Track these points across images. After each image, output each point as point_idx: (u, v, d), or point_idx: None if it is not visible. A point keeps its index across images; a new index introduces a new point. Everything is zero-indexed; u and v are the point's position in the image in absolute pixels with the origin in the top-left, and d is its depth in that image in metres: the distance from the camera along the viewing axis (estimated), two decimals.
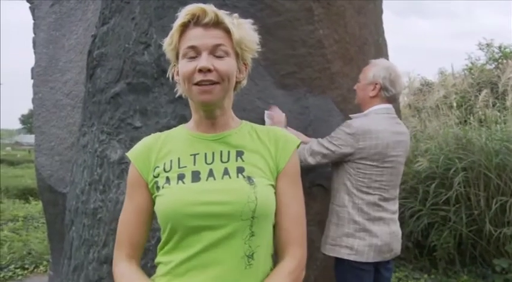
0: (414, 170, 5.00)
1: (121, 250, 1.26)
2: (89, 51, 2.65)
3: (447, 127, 5.42)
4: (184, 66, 1.15)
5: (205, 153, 1.21)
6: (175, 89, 1.31)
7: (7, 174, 13.34)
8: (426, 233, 4.83)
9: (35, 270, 5.02)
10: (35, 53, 4.09)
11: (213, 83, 1.14)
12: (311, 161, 2.26)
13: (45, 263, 5.09)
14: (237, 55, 1.21)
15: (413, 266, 5.01)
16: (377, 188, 2.23)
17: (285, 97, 2.47)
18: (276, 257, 1.26)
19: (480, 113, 5.63)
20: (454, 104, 5.74)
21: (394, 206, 2.35)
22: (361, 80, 2.41)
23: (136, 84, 2.29)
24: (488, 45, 13.08)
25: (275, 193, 1.23)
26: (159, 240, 1.24)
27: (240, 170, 1.19)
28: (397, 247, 2.33)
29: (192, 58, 1.15)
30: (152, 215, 1.27)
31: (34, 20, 4.16)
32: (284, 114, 2.36)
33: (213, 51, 1.15)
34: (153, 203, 1.24)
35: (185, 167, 1.19)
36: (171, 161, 1.21)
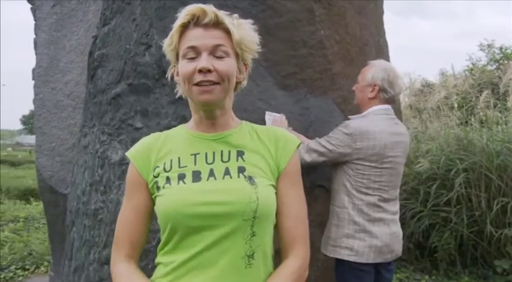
0: (415, 171, 4.99)
1: (119, 250, 1.25)
2: (89, 52, 2.65)
3: (448, 128, 5.42)
4: (184, 67, 1.15)
5: (206, 153, 1.21)
6: (175, 90, 1.31)
7: (8, 174, 13.34)
8: (427, 234, 4.82)
9: (36, 271, 5.02)
10: (36, 53, 4.09)
11: (213, 83, 1.13)
12: (306, 158, 2.26)
13: (46, 263, 5.09)
14: (237, 55, 1.21)
15: (414, 267, 5.01)
16: (376, 188, 2.23)
17: (285, 98, 2.47)
18: (277, 258, 1.26)
19: (481, 114, 5.63)
20: (455, 105, 5.74)
21: (395, 206, 2.35)
22: (360, 81, 2.41)
23: (137, 85, 2.29)
24: (489, 46, 13.09)
25: (276, 193, 1.22)
26: (159, 241, 1.23)
27: (241, 170, 1.19)
28: (398, 248, 2.32)
29: (192, 58, 1.15)
30: (151, 215, 1.27)
31: (35, 20, 4.17)
32: (284, 116, 2.37)
33: (213, 51, 1.14)
34: (152, 203, 1.24)
35: (185, 166, 1.19)
36: (171, 160, 1.21)
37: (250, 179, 1.17)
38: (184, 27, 1.17)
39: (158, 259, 1.23)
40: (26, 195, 9.99)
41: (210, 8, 1.15)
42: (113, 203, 2.29)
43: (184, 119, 2.04)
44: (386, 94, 2.32)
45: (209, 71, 1.12)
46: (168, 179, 1.18)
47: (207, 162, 1.20)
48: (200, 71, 1.12)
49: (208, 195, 1.13)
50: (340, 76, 2.65)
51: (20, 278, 4.81)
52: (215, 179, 1.17)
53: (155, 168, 1.22)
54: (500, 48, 13.02)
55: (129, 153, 1.27)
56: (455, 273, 4.72)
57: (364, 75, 2.38)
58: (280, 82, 2.45)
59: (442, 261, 4.76)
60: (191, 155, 1.21)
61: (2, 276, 4.76)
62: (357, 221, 2.22)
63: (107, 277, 2.27)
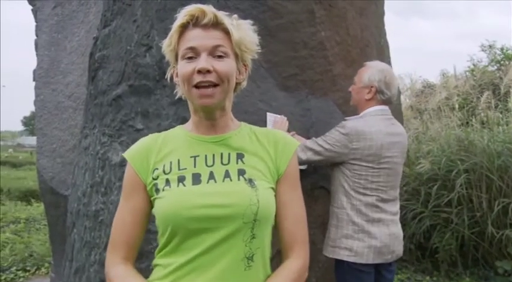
0: (416, 171, 4.99)
1: (115, 252, 1.23)
2: (90, 53, 2.66)
3: (449, 129, 5.42)
4: (183, 67, 1.15)
5: (206, 155, 1.21)
6: (175, 91, 1.30)
7: (9, 176, 13.36)
8: (428, 235, 4.82)
9: (37, 272, 5.02)
10: (37, 55, 4.10)
11: (213, 85, 1.13)
12: (302, 156, 2.27)
13: (46, 265, 5.09)
14: (236, 56, 1.20)
15: (415, 268, 5.00)
16: (374, 189, 2.24)
17: (286, 99, 2.47)
18: (278, 259, 1.26)
19: (482, 114, 5.63)
20: (456, 106, 5.73)
21: (394, 207, 2.34)
22: (356, 82, 2.42)
23: (138, 86, 2.29)
24: (490, 46, 13.09)
25: (275, 195, 1.22)
26: None
27: (241, 173, 1.18)
28: (398, 249, 2.32)
29: (191, 59, 1.14)
30: (149, 217, 1.26)
31: (36, 22, 4.17)
32: (286, 118, 2.37)
33: (212, 52, 1.14)
34: (150, 205, 1.23)
35: (185, 169, 1.18)
36: (170, 162, 1.20)
37: (250, 181, 1.17)
38: (184, 27, 1.16)
39: (156, 261, 1.22)
40: (26, 197, 9.99)
41: (209, 9, 1.15)
42: (114, 205, 2.29)
43: (185, 120, 2.02)
44: (383, 95, 2.33)
45: (208, 71, 1.12)
46: (167, 181, 1.17)
47: (206, 165, 1.19)
48: (199, 71, 1.11)
49: (208, 198, 1.13)
50: (341, 77, 2.66)
51: (21, 280, 4.81)
52: (215, 181, 1.16)
53: (154, 170, 1.21)
54: (502, 49, 13.03)
55: (127, 154, 1.26)
56: (457, 274, 4.71)
57: (361, 76, 2.39)
58: (281, 83, 2.45)
59: (443, 262, 4.75)
60: (191, 157, 1.20)
61: (2, 277, 4.76)
62: (356, 221, 2.22)
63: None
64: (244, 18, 1.23)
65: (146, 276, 1.23)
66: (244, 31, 1.20)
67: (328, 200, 2.40)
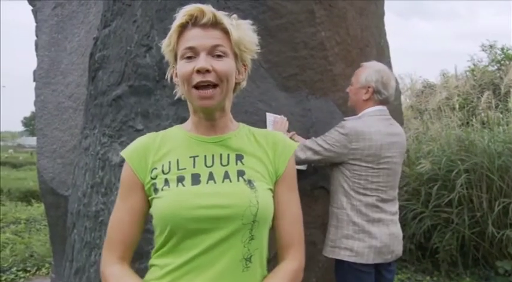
0: (416, 172, 4.99)
1: (112, 251, 1.21)
2: (90, 53, 2.66)
3: (449, 129, 5.41)
4: (183, 67, 1.14)
5: (205, 156, 1.20)
6: (175, 91, 1.30)
7: (9, 176, 13.36)
8: (428, 235, 4.82)
9: (37, 272, 5.02)
10: (37, 55, 4.10)
11: (213, 85, 1.13)
12: (301, 155, 2.28)
13: (47, 265, 5.09)
14: (235, 56, 1.20)
15: (415, 268, 5.00)
16: (374, 189, 2.24)
17: (286, 99, 2.47)
18: (274, 263, 1.26)
19: (482, 114, 5.62)
20: (457, 106, 5.72)
21: (394, 207, 2.35)
22: (354, 83, 2.42)
23: (138, 86, 2.29)
24: (491, 46, 13.09)
25: (273, 197, 1.22)
26: None
27: (241, 174, 1.18)
28: (398, 249, 2.32)
29: (191, 59, 1.14)
30: (146, 217, 1.25)
31: (36, 22, 4.17)
32: (286, 118, 2.37)
33: (212, 51, 1.13)
34: (148, 204, 1.22)
35: (184, 169, 1.18)
36: (169, 162, 1.19)
37: (249, 182, 1.17)
38: (183, 27, 1.16)
39: (152, 261, 1.21)
40: (27, 197, 9.99)
41: (208, 8, 1.14)
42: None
43: (185, 121, 2.03)
44: (381, 95, 2.33)
45: (207, 71, 1.11)
46: (166, 181, 1.16)
47: (206, 165, 1.19)
48: (198, 71, 1.11)
49: (208, 199, 1.12)
50: (341, 77, 2.66)
51: (21, 280, 4.80)
52: (215, 182, 1.16)
53: (152, 170, 1.20)
54: (502, 49, 13.03)
55: (125, 153, 1.25)
56: (457, 274, 4.71)
57: (358, 77, 2.39)
58: (281, 83, 2.45)
59: (443, 262, 4.75)
60: (190, 157, 1.20)
61: (3, 278, 4.76)
62: (356, 221, 2.22)
63: None
64: (244, 18, 1.23)
65: (141, 277, 1.22)
66: (244, 31, 1.19)
67: (328, 200, 2.40)
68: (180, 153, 1.21)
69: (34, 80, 4.10)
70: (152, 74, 2.24)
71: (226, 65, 1.15)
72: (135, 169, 1.22)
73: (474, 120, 5.47)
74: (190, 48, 1.13)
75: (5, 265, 5.06)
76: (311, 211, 2.50)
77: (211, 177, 1.17)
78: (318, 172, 2.51)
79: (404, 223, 4.83)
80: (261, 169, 1.22)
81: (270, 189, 1.22)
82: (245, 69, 1.26)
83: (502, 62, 12.17)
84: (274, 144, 1.27)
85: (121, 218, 1.23)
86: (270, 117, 2.35)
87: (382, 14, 3.24)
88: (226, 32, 1.16)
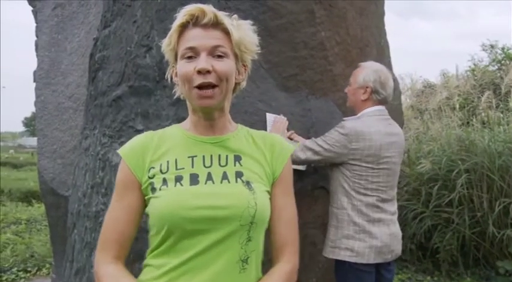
0: (417, 171, 4.99)
1: (107, 251, 1.20)
2: (90, 54, 2.66)
3: (450, 129, 5.41)
4: (183, 67, 1.14)
5: (204, 156, 1.20)
6: (174, 90, 1.30)
7: (10, 176, 13.37)
8: (429, 235, 4.82)
9: (38, 273, 5.02)
10: (37, 56, 4.10)
11: (213, 86, 1.12)
12: (301, 155, 2.28)
13: (47, 265, 5.09)
14: (236, 56, 1.19)
15: (416, 268, 5.00)
16: (374, 189, 2.24)
17: (286, 99, 2.47)
18: (269, 263, 1.26)
19: (483, 114, 5.62)
20: (457, 106, 5.73)
21: (393, 207, 2.35)
22: (352, 83, 2.42)
23: (138, 87, 2.29)
24: (492, 46, 13.09)
25: (269, 199, 1.22)
26: None
27: (239, 175, 1.18)
28: (397, 248, 2.33)
29: (191, 59, 1.13)
30: (141, 216, 1.24)
31: (36, 23, 4.17)
32: (285, 118, 2.37)
33: (212, 52, 1.13)
34: (144, 203, 1.21)
35: (183, 169, 1.17)
36: (167, 162, 1.19)
37: (248, 184, 1.17)
38: (183, 27, 1.15)
39: (147, 261, 1.21)
40: (28, 197, 9.99)
41: (209, 8, 1.14)
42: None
43: None
44: (379, 95, 2.33)
45: (208, 72, 1.11)
46: (164, 180, 1.16)
47: (204, 166, 1.18)
48: (199, 72, 1.11)
49: (206, 199, 1.12)
50: (341, 77, 2.66)
51: (22, 280, 4.81)
52: (213, 182, 1.16)
53: (150, 169, 1.19)
54: (503, 49, 13.03)
55: (122, 151, 1.24)
56: (457, 274, 4.71)
57: (356, 77, 2.39)
58: (281, 83, 2.45)
59: (444, 262, 4.75)
60: (188, 157, 1.19)
61: (4, 278, 4.77)
62: (357, 221, 2.22)
63: None
64: (245, 18, 1.23)
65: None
66: (244, 31, 1.19)
67: (329, 201, 2.40)
68: (178, 153, 1.20)
69: (34, 81, 4.10)
70: (152, 74, 2.24)
71: (226, 65, 1.14)
72: (132, 168, 1.21)
73: (474, 120, 5.48)
74: (191, 49, 1.13)
75: (6, 265, 5.06)
76: (311, 211, 2.51)
77: (209, 177, 1.16)
78: (318, 172, 2.51)
79: (404, 223, 4.83)
80: (259, 170, 1.22)
81: (267, 191, 1.22)
82: (245, 69, 1.26)
83: (503, 61, 12.16)
84: (271, 146, 1.27)
85: (117, 217, 1.21)
86: (270, 117, 2.35)
87: (382, 14, 3.24)
88: (227, 32, 1.15)
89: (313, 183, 2.51)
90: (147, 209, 1.19)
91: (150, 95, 2.25)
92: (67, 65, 3.77)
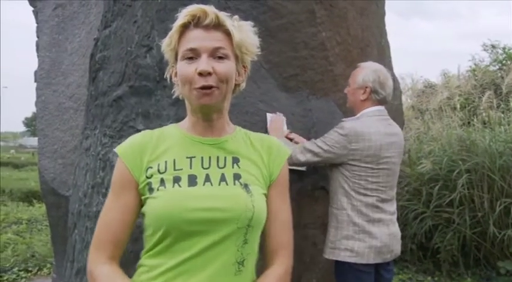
0: (418, 172, 4.99)
1: (101, 251, 1.18)
2: (91, 54, 2.66)
3: (450, 129, 5.41)
4: (184, 68, 1.13)
5: (202, 157, 1.19)
6: (173, 90, 1.29)
7: (11, 176, 13.40)
8: (430, 235, 4.82)
9: (39, 272, 5.02)
10: (38, 56, 4.10)
11: (213, 86, 1.12)
12: (301, 157, 2.27)
13: (48, 265, 5.09)
14: (236, 58, 1.19)
15: (416, 268, 5.00)
16: (374, 189, 2.24)
17: (287, 100, 2.47)
18: (264, 264, 1.26)
19: (484, 114, 5.62)
20: (458, 106, 5.73)
21: (392, 207, 2.35)
22: (351, 84, 2.42)
23: (138, 87, 2.29)
24: (493, 46, 13.08)
25: (266, 201, 1.22)
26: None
27: (237, 177, 1.18)
28: (397, 248, 2.33)
29: (191, 60, 1.13)
30: (137, 216, 1.22)
31: (37, 23, 4.17)
32: (283, 116, 2.37)
33: (213, 53, 1.13)
34: (140, 203, 1.20)
35: (181, 169, 1.16)
36: (165, 162, 1.18)
37: (245, 186, 1.16)
38: (184, 27, 1.15)
39: (142, 261, 1.19)
40: (28, 197, 10.00)
41: (211, 9, 1.13)
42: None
43: None
44: (378, 95, 2.33)
45: (209, 73, 1.10)
46: (162, 181, 1.15)
47: (203, 167, 1.18)
48: (200, 74, 1.10)
49: (204, 201, 1.12)
50: (341, 78, 2.65)
51: (23, 280, 4.81)
52: (211, 184, 1.15)
53: (148, 169, 1.18)
54: (504, 49, 13.02)
55: (119, 150, 1.23)
56: (458, 274, 4.71)
57: (355, 77, 2.39)
58: (281, 84, 2.45)
59: (444, 262, 4.75)
60: (187, 158, 1.19)
61: (5, 278, 4.77)
62: (357, 222, 2.22)
63: None
64: (245, 18, 1.23)
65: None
66: (245, 33, 1.18)
67: (329, 201, 2.40)
68: (176, 153, 1.20)
69: (35, 81, 4.10)
70: (153, 74, 2.24)
71: (227, 67, 1.14)
72: (130, 167, 1.19)
73: (475, 120, 5.48)
74: (192, 50, 1.12)
75: (7, 265, 5.07)
76: (311, 211, 2.50)
77: (207, 179, 1.16)
78: (318, 172, 2.51)
79: (405, 223, 4.83)
80: (256, 172, 1.22)
81: (264, 194, 1.22)
82: (245, 71, 1.25)
83: (504, 61, 12.15)
84: (269, 148, 1.27)
85: (113, 217, 1.19)
86: (270, 117, 2.35)
87: (383, 14, 3.23)
88: (228, 33, 1.15)
89: (313, 184, 2.51)
90: (144, 209, 1.18)
91: (151, 95, 2.25)
92: (68, 65, 3.78)
